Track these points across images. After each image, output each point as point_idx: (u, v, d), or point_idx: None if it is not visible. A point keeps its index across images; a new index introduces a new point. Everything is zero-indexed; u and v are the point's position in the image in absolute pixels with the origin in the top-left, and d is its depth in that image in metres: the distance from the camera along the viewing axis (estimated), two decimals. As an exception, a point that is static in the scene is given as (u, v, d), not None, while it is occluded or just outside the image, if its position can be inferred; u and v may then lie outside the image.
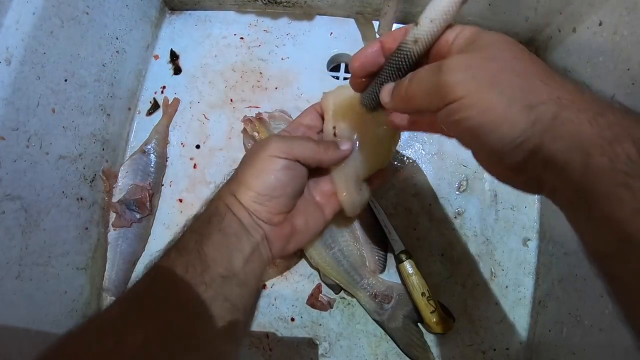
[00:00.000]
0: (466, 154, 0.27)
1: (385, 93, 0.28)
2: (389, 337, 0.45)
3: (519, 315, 0.46)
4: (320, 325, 0.46)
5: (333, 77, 0.54)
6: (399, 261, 0.45)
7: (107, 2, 0.45)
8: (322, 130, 0.39)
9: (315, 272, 0.47)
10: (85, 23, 0.42)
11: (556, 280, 0.44)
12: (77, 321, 0.43)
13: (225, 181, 0.35)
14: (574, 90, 0.21)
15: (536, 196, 0.49)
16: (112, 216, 0.47)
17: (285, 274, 0.47)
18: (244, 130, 0.50)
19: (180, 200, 0.50)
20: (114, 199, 0.47)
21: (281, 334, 0.46)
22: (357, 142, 0.38)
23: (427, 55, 0.27)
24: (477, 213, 0.49)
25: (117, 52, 0.48)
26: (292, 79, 0.53)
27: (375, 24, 0.54)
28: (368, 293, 0.45)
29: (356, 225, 0.46)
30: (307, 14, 0.55)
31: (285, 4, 0.54)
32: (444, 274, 0.47)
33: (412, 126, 0.31)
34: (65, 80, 0.40)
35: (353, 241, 0.45)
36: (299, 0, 0.53)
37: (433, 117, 0.24)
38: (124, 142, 0.51)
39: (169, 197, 0.50)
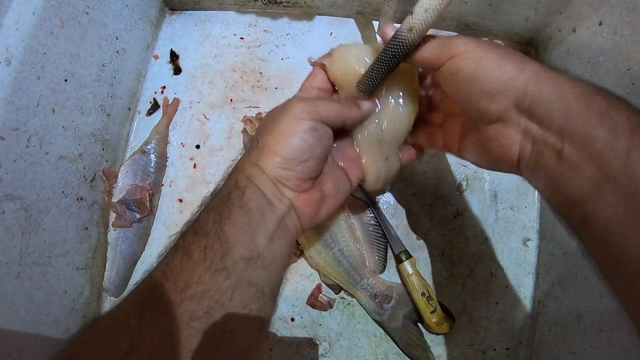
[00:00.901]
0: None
1: (389, 29, 0.30)
2: (389, 337, 0.45)
3: (519, 315, 0.46)
4: (320, 325, 0.46)
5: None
6: (399, 261, 0.45)
7: (107, 2, 0.45)
8: (335, 91, 0.37)
9: (315, 272, 0.47)
10: (85, 23, 0.42)
11: (556, 280, 0.44)
12: (77, 321, 0.43)
13: (242, 154, 0.33)
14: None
15: (536, 196, 0.49)
16: (112, 216, 0.47)
17: (285, 273, 0.47)
18: (244, 130, 0.50)
19: (180, 200, 0.50)
20: (114, 199, 0.47)
21: (281, 334, 0.46)
22: (378, 102, 0.36)
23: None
24: (477, 213, 0.49)
25: (117, 52, 0.48)
26: (292, 79, 0.53)
27: (375, 24, 0.54)
28: (368, 293, 0.45)
29: (356, 225, 0.46)
30: (307, 14, 0.55)
31: (285, 4, 0.54)
32: (444, 274, 0.47)
33: (430, 142, 0.37)
34: (65, 80, 0.40)
35: (353, 241, 0.45)
36: (299, 0, 0.53)
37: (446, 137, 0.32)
38: (124, 142, 0.51)
39: (169, 197, 0.50)
